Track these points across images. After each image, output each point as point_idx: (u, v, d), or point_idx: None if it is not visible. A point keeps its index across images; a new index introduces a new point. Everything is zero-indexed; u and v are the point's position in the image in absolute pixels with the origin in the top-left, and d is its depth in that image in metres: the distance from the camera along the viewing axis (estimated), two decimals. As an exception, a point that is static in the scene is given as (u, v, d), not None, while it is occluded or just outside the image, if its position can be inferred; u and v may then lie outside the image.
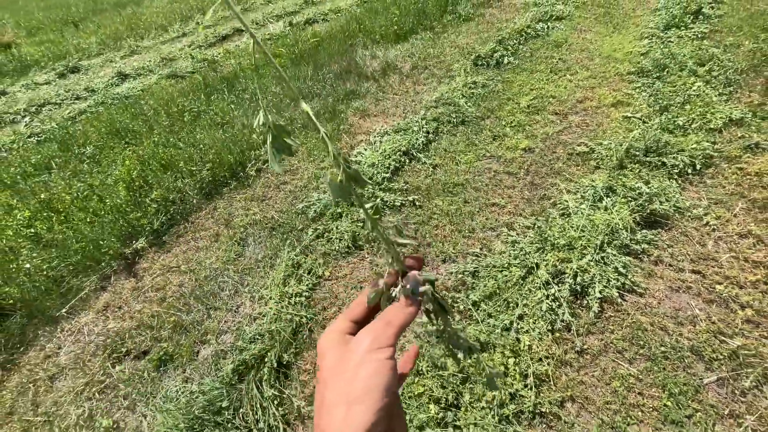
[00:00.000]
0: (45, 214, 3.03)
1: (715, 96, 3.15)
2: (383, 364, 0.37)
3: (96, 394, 2.00)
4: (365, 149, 3.44)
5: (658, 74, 3.56)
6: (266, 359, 1.92)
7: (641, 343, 1.81)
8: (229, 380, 1.85)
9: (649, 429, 1.55)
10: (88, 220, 2.90)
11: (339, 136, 3.78)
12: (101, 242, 2.71)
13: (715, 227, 2.24)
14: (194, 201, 3.19)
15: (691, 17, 4.31)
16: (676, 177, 2.56)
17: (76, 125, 4.70)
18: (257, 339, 2.08)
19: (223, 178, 3.39)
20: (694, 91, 3.21)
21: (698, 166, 2.58)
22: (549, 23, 5.16)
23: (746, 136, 2.75)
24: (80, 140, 4.09)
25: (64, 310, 2.43)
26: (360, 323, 0.45)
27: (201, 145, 3.64)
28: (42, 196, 3.14)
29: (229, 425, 1.71)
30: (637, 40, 4.41)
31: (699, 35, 4.03)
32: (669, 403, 1.59)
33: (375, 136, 3.60)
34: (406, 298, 0.44)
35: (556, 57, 4.43)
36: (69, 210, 3.05)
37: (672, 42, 4.03)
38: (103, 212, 2.96)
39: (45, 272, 2.57)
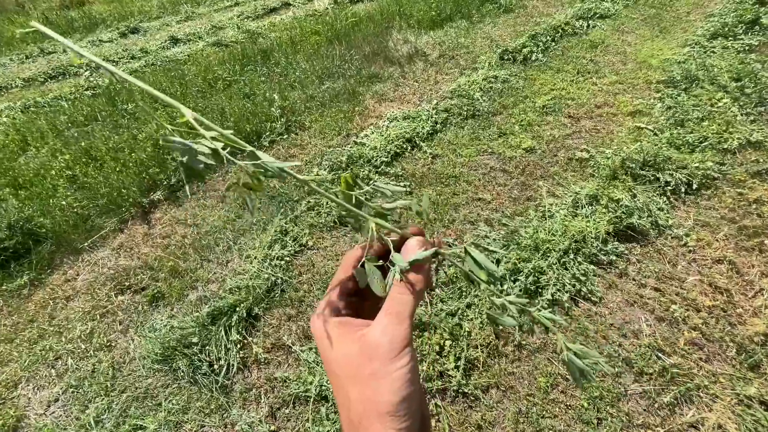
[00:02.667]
0: (84, 160, 3.45)
1: (741, 115, 2.97)
2: (406, 376, 0.37)
3: (98, 316, 2.35)
4: (372, 132, 3.58)
5: (686, 86, 3.39)
6: (238, 309, 2.18)
7: (579, 347, 1.87)
8: (203, 321, 2.12)
9: (561, 424, 1.64)
10: (117, 169, 3.27)
11: (352, 117, 3.93)
12: (124, 190, 3.07)
13: (692, 249, 2.20)
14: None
15: (745, 27, 3.98)
16: (668, 194, 2.50)
17: (124, 83, 5.15)
18: (235, 291, 2.33)
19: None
20: (717, 107, 3.04)
21: (695, 186, 2.50)
22: (591, 21, 4.94)
23: (760, 161, 2.61)
24: (124, 97, 4.52)
25: (86, 244, 2.82)
26: (353, 295, 0.46)
27: (225, 113, 3.93)
28: (83, 144, 3.56)
29: (194, 357, 1.99)
30: (679, 47, 4.15)
31: (747, 47, 3.74)
32: (586, 405, 1.67)
33: (384, 121, 3.71)
34: (406, 274, 0.42)
35: (587, 58, 4.28)
36: (104, 159, 3.45)
37: (715, 52, 3.78)
38: (131, 164, 3.32)
39: (75, 210, 2.97)
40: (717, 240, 2.22)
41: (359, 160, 3.16)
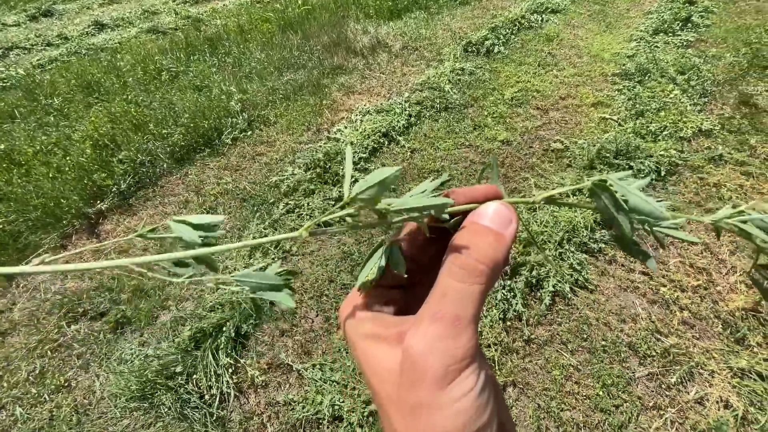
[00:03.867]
0: (4, 165, 2.91)
1: (690, 105, 3.23)
2: (474, 405, 0.26)
3: (49, 351, 1.98)
4: (345, 127, 3.41)
5: (639, 78, 3.62)
6: (224, 328, 1.94)
7: (585, 336, 1.91)
8: (186, 346, 1.87)
9: (580, 415, 1.66)
10: (51, 175, 2.80)
11: (321, 111, 3.72)
12: (63, 200, 2.63)
13: (669, 232, 2.34)
14: (164, 165, 3.11)
15: (681, 24, 4.35)
16: (640, 181, 2.64)
17: (45, 74, 4.45)
18: (217, 308, 2.09)
19: (197, 143, 3.31)
20: (670, 98, 3.28)
21: (663, 173, 2.67)
22: (544, 15, 5.12)
23: (712, 148, 2.85)
24: (48, 90, 3.89)
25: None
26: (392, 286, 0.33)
27: (176, 108, 3.53)
28: (2, 146, 3.00)
29: (181, 390, 1.74)
30: (626, 41, 4.44)
31: (685, 43, 4.08)
32: (601, 393, 1.71)
33: (356, 115, 3.56)
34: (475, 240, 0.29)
35: (546, 51, 4.43)
36: (31, 163, 2.93)
37: (658, 47, 4.08)
38: (66, 169, 2.86)
39: (1, 226, 2.49)
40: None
41: (336, 156, 2.99)
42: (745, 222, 0.31)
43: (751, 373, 1.71)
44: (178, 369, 1.78)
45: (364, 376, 0.30)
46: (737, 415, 1.59)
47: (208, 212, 2.76)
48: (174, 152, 3.21)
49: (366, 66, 4.45)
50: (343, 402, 1.69)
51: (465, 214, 0.32)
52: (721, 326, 1.89)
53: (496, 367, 1.80)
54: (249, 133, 3.48)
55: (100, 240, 2.58)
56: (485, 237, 0.29)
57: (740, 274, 2.07)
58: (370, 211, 0.31)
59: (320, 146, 3.17)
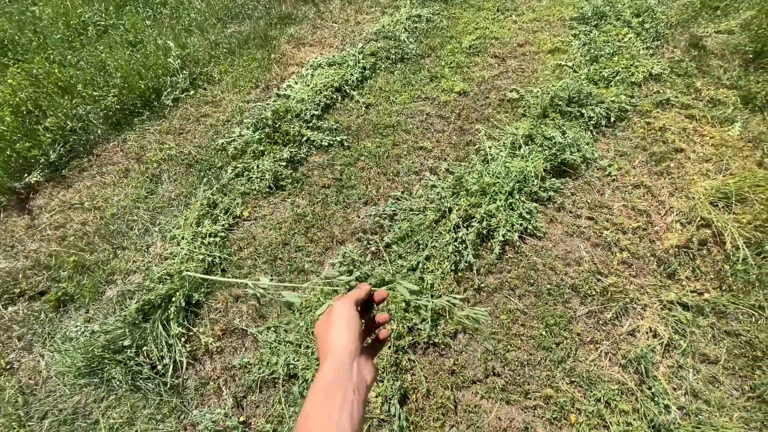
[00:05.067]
0: None
1: (643, 49, 3.23)
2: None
3: (-15, 335, 1.89)
4: (296, 82, 3.22)
5: (596, 22, 3.55)
6: (174, 299, 1.89)
7: (532, 281, 1.99)
8: (133, 319, 1.82)
9: (524, 354, 1.76)
10: (-34, 148, 2.52)
11: (269, 66, 3.48)
12: (-17, 174, 2.40)
13: (615, 177, 2.41)
14: (99, 131, 2.87)
15: (639, -37, 4.23)
16: (591, 128, 2.67)
17: None
18: (166, 279, 2.02)
19: (134, 106, 3.05)
20: (624, 42, 3.25)
21: (612, 119, 2.70)
22: (504, -45, 4.85)
23: (660, 92, 2.89)
24: (-47, 51, 3.43)
25: (-57, 249, 2.19)
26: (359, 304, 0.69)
27: (107, 67, 3.20)
28: None
29: (131, 362, 1.71)
30: (585, -17, 4.30)
31: (641, -17, 4.00)
32: (544, 333, 1.81)
33: (308, 69, 3.35)
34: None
35: (505, -6, 4.24)
36: (-59, 135, 2.62)
37: (616, -12, 3.98)
38: (-16, 140, 2.58)
39: None
40: (634, 167, 2.46)
41: (286, 115, 2.83)
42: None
43: (678, 305, 1.84)
44: (127, 342, 1.74)
45: (329, 325, 0.63)
46: (663, 342, 1.72)
47: (151, 181, 2.60)
48: (108, 116, 2.95)
49: (317, 14, 4.15)
50: (297, 361, 1.71)
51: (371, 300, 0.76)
52: (655, 264, 2.01)
53: (446, 316, 1.86)
54: (192, 92, 3.23)
55: (33, 216, 2.40)
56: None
57: (676, 215, 2.18)
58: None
59: (269, 104, 2.99)
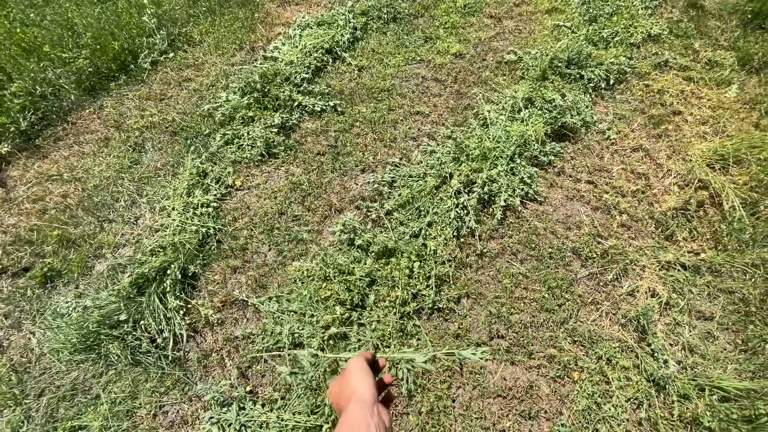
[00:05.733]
0: None
1: (642, 9, 3.14)
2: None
3: (-31, 314, 1.79)
4: (283, 44, 3.04)
5: (595, -20, 3.42)
6: (168, 271, 1.83)
7: (533, 245, 1.99)
8: (128, 293, 1.75)
9: (527, 316, 1.78)
10: (-75, 116, 2.31)
11: (253, 26, 3.26)
12: (-53, 144, 2.21)
13: (614, 141, 2.39)
14: (72, 97, 2.67)
15: None
16: (590, 91, 2.62)
17: None
18: (159, 251, 1.94)
19: (109, 70, 2.84)
20: (623, 1, 3.16)
21: (611, 81, 2.65)
22: None
23: (659, 53, 2.84)
24: None
25: None
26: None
27: (75, 26, 2.94)
28: None
29: (129, 337, 1.66)
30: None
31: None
32: (546, 295, 1.82)
33: (295, 29, 3.16)
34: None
35: (500, -50, 4.03)
36: None
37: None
38: (-56, 107, 2.37)
39: None
40: (632, 131, 2.44)
41: (275, 78, 2.68)
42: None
43: (676, 265, 1.88)
44: (123, 317, 1.68)
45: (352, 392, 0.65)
46: (661, 301, 1.77)
47: (134, 150, 2.45)
48: (81, 81, 2.74)
49: (302, -30, 3.87)
50: (302, 329, 1.69)
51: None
52: (653, 225, 2.03)
53: (450, 282, 1.86)
54: (171, 54, 3.01)
55: (7, 189, 2.25)
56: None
57: (674, 177, 2.19)
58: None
59: (256, 67, 2.82)
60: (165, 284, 1.80)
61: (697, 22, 3.05)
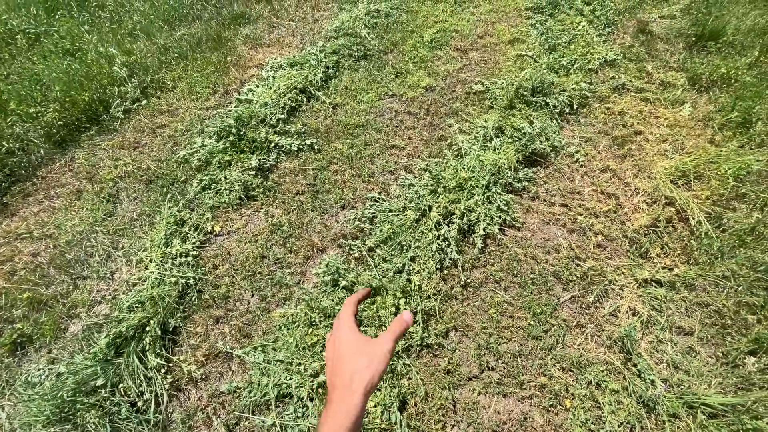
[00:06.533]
0: None
1: (596, 36, 3.35)
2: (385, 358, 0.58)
3: (-70, 392, 1.68)
4: (257, 86, 3.08)
5: (550, 12, 3.65)
6: (148, 328, 1.76)
7: (515, 272, 2.02)
8: (104, 355, 1.67)
9: (516, 345, 1.79)
10: None
11: (226, 70, 3.31)
12: None
13: (582, 163, 2.49)
14: (42, 151, 2.62)
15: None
16: (556, 117, 2.74)
17: None
18: (137, 307, 1.88)
19: (79, 121, 2.81)
20: (578, 30, 3.36)
21: (575, 106, 2.79)
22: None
23: (616, 77, 3.01)
24: None
25: None
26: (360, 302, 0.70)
27: (43, 80, 2.92)
28: None
29: (107, 403, 1.58)
30: (536, -28, 4.40)
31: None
32: (532, 322, 1.84)
33: (268, 71, 3.22)
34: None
35: (460, -14, 4.26)
36: None
37: (566, -23, 4.10)
38: None
39: None
40: (599, 152, 2.55)
41: (250, 120, 2.71)
42: None
43: (652, 282, 1.94)
44: (100, 381, 1.60)
45: (340, 340, 0.61)
46: (642, 320, 1.81)
47: (108, 201, 2.41)
48: (51, 134, 2.70)
49: (272, 13, 3.99)
50: (290, 379, 1.65)
51: None
52: (628, 244, 2.10)
53: (437, 316, 1.86)
54: (144, 102, 3.01)
55: (-27, 251, 2.16)
56: (400, 323, 0.62)
57: (642, 195, 2.28)
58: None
59: (231, 110, 2.85)
60: (144, 342, 1.74)
61: (647, 47, 3.26)
